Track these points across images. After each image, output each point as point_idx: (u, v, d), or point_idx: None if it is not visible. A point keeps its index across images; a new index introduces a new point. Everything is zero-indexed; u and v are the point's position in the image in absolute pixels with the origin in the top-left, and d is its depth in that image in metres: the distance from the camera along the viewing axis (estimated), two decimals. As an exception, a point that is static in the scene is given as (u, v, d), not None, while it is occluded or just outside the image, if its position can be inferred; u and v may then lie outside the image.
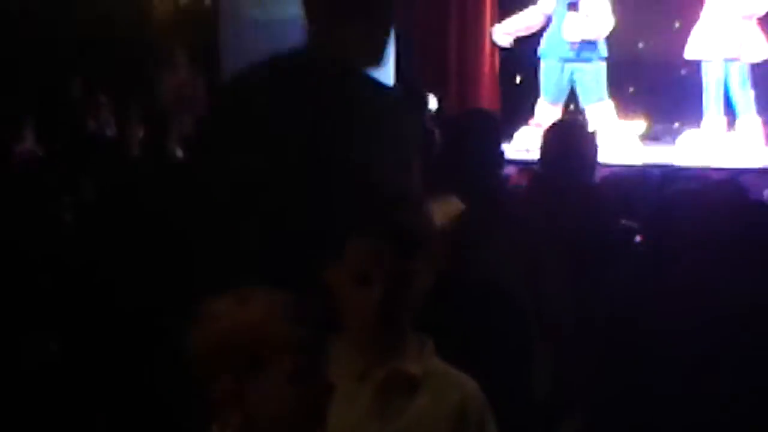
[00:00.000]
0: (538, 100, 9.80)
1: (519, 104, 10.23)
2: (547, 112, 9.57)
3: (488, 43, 10.94)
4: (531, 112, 9.85)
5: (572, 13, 9.46)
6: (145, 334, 3.87)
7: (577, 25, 9.44)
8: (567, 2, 9.46)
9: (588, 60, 9.57)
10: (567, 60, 9.59)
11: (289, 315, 1.91)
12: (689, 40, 9.27)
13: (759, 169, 8.57)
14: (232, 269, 2.40)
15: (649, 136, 10.01)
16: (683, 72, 9.99)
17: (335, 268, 2.18)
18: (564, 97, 9.77)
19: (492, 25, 10.84)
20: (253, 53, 2.96)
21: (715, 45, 9.07)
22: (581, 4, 9.43)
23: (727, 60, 9.10)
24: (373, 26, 2.42)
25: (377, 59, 2.43)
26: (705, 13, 9.19)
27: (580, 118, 9.06)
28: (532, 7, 9.90)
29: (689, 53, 9.28)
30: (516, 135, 9.64)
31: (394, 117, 2.50)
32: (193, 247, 2.65)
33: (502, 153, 3.71)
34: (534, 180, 4.68)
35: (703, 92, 9.32)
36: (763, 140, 9.13)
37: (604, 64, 9.63)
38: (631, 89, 10.42)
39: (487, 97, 10.93)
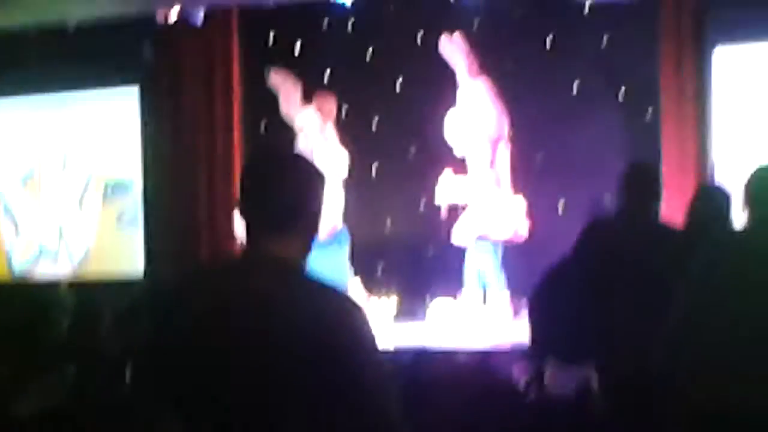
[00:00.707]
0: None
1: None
2: None
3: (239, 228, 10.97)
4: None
5: None
6: None
7: None
8: None
9: (328, 245, 9.71)
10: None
11: None
12: (456, 224, 9.45)
13: (507, 345, 8.72)
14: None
15: (401, 313, 10.12)
16: (431, 250, 10.21)
17: None
18: None
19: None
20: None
21: (479, 227, 9.29)
22: None
23: (487, 240, 9.30)
24: (307, 235, 2.80)
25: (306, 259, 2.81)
26: (465, 194, 9.44)
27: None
28: None
29: (455, 239, 9.45)
30: None
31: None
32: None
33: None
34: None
35: (462, 270, 9.46)
36: (511, 315, 9.34)
37: (342, 249, 9.78)
38: (381, 267, 10.56)
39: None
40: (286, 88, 9.83)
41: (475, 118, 9.40)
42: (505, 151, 9.41)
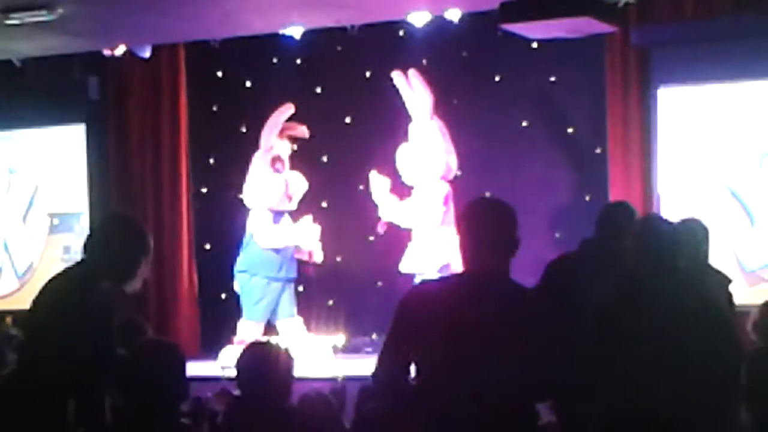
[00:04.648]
0: (241, 319, 9.73)
1: (223, 321, 10.19)
2: (250, 330, 9.55)
3: (186, 262, 10.90)
4: (236, 329, 9.77)
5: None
6: None
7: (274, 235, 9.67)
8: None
9: (292, 279, 9.74)
10: (274, 279, 9.68)
11: None
12: (404, 254, 9.46)
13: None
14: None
15: (348, 349, 10.11)
16: (379, 284, 10.22)
17: None
18: (268, 315, 9.75)
19: (189, 242, 10.91)
20: None
21: (428, 257, 9.29)
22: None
23: (438, 270, 9.28)
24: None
25: None
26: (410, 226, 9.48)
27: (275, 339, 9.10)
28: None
29: (404, 267, 9.44)
30: (221, 353, 9.49)
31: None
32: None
33: (186, 384, 3.75)
34: (231, 404, 4.60)
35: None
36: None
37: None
38: (329, 302, 10.54)
39: (186, 317, 10.85)
40: (275, 117, 9.85)
41: (425, 156, 9.45)
42: (448, 190, 9.42)
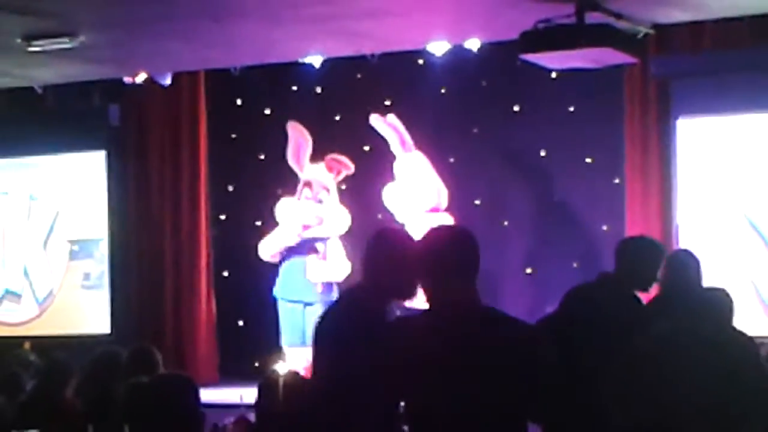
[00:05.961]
0: (284, 346, 9.76)
1: (242, 348, 10.19)
2: (288, 355, 9.61)
3: (204, 289, 10.92)
4: (254, 356, 9.78)
5: (313, 257, 9.68)
6: None
7: (319, 268, 9.64)
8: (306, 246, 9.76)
9: (311, 303, 9.75)
10: (308, 304, 9.68)
11: None
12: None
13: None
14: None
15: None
16: (397, 312, 10.18)
17: None
18: (296, 340, 9.74)
19: (207, 269, 10.92)
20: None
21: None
22: (320, 248, 9.75)
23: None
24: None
25: None
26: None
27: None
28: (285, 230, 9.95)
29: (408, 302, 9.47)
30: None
31: None
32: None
33: (201, 414, 3.80)
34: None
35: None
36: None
37: None
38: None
39: (204, 344, 10.85)
40: (297, 140, 9.89)
41: (411, 190, 9.52)
42: (445, 221, 9.44)
